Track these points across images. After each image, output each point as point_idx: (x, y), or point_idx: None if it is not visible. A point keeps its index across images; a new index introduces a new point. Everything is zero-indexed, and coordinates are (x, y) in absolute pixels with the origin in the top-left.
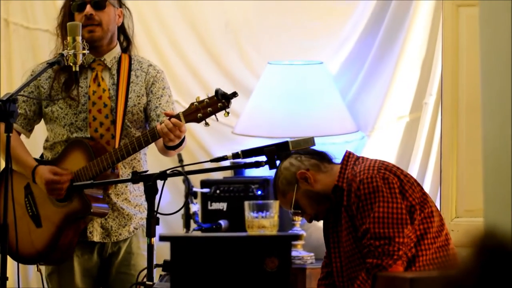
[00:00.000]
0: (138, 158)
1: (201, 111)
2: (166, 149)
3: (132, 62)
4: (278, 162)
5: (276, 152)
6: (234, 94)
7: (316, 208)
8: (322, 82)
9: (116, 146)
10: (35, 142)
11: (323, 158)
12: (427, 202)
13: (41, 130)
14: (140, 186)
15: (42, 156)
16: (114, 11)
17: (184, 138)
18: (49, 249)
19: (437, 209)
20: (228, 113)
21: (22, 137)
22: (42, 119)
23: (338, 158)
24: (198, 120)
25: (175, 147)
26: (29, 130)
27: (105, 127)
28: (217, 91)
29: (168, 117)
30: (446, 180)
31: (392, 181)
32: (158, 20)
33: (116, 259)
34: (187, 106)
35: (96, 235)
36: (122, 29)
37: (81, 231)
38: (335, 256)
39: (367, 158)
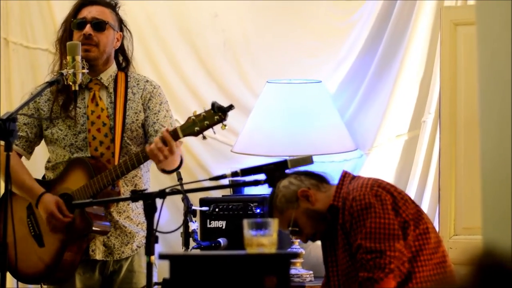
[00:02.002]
0: (140, 175)
1: (198, 124)
2: (161, 172)
3: (129, 80)
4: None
5: (275, 171)
6: (231, 107)
7: (315, 227)
8: (320, 101)
9: (116, 164)
10: (34, 162)
11: (322, 179)
12: (422, 219)
13: (39, 150)
14: (142, 204)
15: (44, 176)
16: (113, 34)
17: (181, 162)
18: (52, 268)
19: (433, 226)
20: (225, 125)
21: (23, 159)
22: (43, 141)
23: (336, 179)
24: (195, 134)
25: (170, 172)
26: (29, 153)
27: (105, 146)
28: (213, 104)
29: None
30: (444, 198)
31: (384, 198)
32: (156, 39)
33: (118, 277)
34: None
35: (98, 253)
36: (121, 50)
37: (83, 249)
38: (333, 275)
39: (362, 177)
